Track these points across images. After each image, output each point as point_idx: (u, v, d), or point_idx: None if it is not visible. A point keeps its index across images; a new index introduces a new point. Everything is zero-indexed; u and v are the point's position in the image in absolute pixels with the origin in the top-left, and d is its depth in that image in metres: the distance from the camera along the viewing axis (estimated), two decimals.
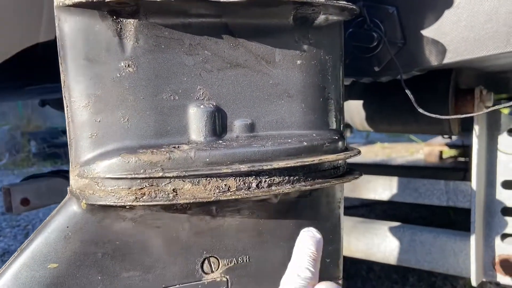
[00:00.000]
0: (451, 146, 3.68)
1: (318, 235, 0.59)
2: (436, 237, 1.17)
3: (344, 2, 0.67)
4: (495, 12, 0.79)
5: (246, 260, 0.70)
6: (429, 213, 3.09)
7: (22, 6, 1.22)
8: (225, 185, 0.62)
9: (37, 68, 1.37)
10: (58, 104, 2.08)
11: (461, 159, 3.81)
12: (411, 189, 1.30)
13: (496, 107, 0.93)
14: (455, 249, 1.13)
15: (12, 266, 0.60)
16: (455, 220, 3.01)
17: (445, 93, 1.05)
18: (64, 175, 1.79)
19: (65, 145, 5.22)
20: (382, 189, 1.38)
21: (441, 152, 3.97)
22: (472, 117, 1.06)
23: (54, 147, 6.67)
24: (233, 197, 0.61)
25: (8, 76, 1.31)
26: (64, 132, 7.54)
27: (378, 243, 1.25)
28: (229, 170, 0.61)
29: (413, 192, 1.30)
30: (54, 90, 1.62)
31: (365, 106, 1.21)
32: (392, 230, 1.24)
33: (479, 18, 0.80)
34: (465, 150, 3.17)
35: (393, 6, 0.86)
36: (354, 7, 0.69)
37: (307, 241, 0.58)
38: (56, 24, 0.60)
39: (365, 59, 0.90)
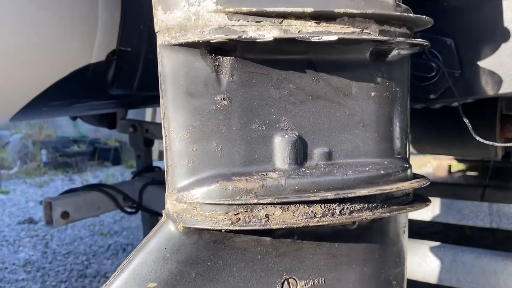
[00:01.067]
0: (463, 161, 3.71)
1: None
2: (478, 257, 1.20)
3: (419, 40, 0.72)
4: None
5: (321, 282, 0.73)
6: (443, 228, 3.12)
7: (77, 30, 1.27)
8: (312, 211, 0.66)
9: (86, 87, 1.43)
10: (91, 119, 2.14)
11: (472, 173, 3.84)
12: (454, 210, 1.34)
13: None
14: (496, 269, 1.16)
15: (114, 285, 0.63)
16: (470, 236, 3.04)
17: (492, 119, 1.09)
18: (100, 188, 1.83)
19: (76, 154, 5.27)
20: (425, 209, 1.41)
21: (449, 166, 4.00)
22: None
23: (65, 156, 6.73)
24: (319, 223, 0.65)
25: (61, 94, 1.36)
26: (75, 141, 7.61)
27: (418, 262, 1.28)
28: (317, 198, 0.65)
29: (456, 214, 1.34)
30: (97, 107, 1.67)
31: (411, 129, 1.24)
32: (433, 249, 1.27)
33: None
34: (482, 164, 3.20)
35: (451, 38, 0.91)
36: (426, 42, 0.73)
37: None
38: (159, 61, 0.65)
39: (421, 86, 0.94)
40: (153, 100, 1.77)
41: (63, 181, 5.96)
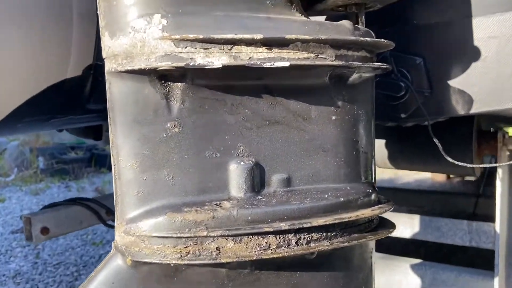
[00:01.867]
0: None
1: None
2: (458, 276, 1.17)
3: (378, 64, 0.70)
4: None
5: None
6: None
7: (52, 45, 1.26)
8: (266, 242, 0.63)
9: (62, 102, 1.41)
10: (76, 131, 2.12)
11: (470, 178, 3.80)
12: (433, 228, 1.31)
13: None
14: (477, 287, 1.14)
15: None
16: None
17: (468, 137, 1.07)
18: (81, 202, 1.81)
19: (73, 161, 5.24)
20: (403, 227, 1.39)
21: None
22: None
23: (62, 163, 6.72)
24: (273, 255, 0.63)
25: (35, 109, 1.34)
26: (72, 148, 7.61)
27: (399, 280, 1.25)
28: (270, 229, 0.62)
29: (435, 231, 1.31)
30: (76, 121, 1.65)
31: (387, 146, 1.23)
32: (414, 267, 1.24)
33: (506, 70, 0.82)
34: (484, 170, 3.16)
35: (420, 56, 0.89)
36: (387, 66, 0.71)
37: None
38: (107, 87, 0.63)
39: (391, 105, 0.92)
40: None
41: (60, 188, 5.95)
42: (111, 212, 1.86)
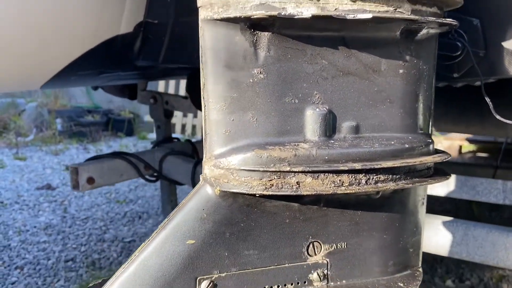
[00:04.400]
0: (474, 141, 3.71)
1: None
2: (489, 232, 1.25)
3: (449, 20, 0.74)
4: None
5: (344, 246, 0.79)
6: (453, 207, 3.16)
7: (107, 2, 1.30)
8: (340, 180, 0.70)
9: (113, 57, 1.47)
10: (112, 89, 2.19)
11: (482, 154, 3.84)
12: (469, 187, 1.38)
13: None
14: (506, 244, 1.21)
15: (156, 240, 0.70)
16: (479, 215, 3.08)
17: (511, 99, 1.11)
18: (123, 156, 1.90)
19: (90, 124, 5.38)
20: (440, 185, 1.46)
21: (460, 147, 4.01)
22: None
23: (80, 126, 6.84)
24: (346, 191, 0.70)
25: (89, 64, 1.40)
26: (89, 111, 7.71)
27: (430, 236, 1.33)
28: (345, 168, 0.69)
29: (470, 190, 1.38)
30: (122, 78, 1.72)
31: None
32: (445, 224, 1.32)
33: None
34: (494, 146, 3.20)
35: (477, 18, 0.93)
36: (455, 22, 0.76)
37: None
38: (200, 35, 0.69)
39: (445, 65, 0.97)
40: (176, 72, 1.81)
41: (78, 150, 6.09)
42: (149, 167, 1.95)
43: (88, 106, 7.90)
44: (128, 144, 6.54)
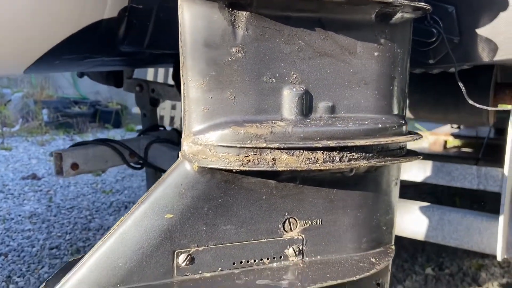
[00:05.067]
0: (459, 136, 3.79)
1: None
2: (463, 216, 1.29)
3: (421, 3, 0.77)
4: None
5: (319, 223, 0.81)
6: (434, 200, 3.23)
7: None
8: (314, 157, 0.73)
9: (98, 42, 1.47)
10: (97, 76, 2.18)
11: (466, 149, 3.93)
12: (444, 173, 1.42)
13: None
14: (480, 228, 1.26)
15: (135, 214, 0.71)
16: (461, 207, 3.16)
17: (486, 87, 1.15)
18: (108, 143, 1.90)
19: (77, 115, 5.32)
20: (417, 171, 1.50)
21: (445, 142, 4.10)
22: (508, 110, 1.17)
23: (67, 116, 6.78)
24: (321, 168, 0.72)
25: (73, 48, 1.40)
26: (75, 102, 7.63)
27: (407, 221, 1.37)
28: (319, 145, 0.72)
29: (446, 176, 1.42)
30: (107, 63, 1.71)
31: (409, 95, 1.31)
32: (422, 209, 1.36)
33: None
34: (477, 141, 3.28)
35: (452, 5, 0.96)
36: (428, 6, 0.78)
37: None
38: (180, 13, 0.70)
39: (421, 52, 1.00)
40: (161, 59, 1.81)
41: (65, 141, 6.04)
42: (134, 154, 1.95)
43: (75, 97, 7.83)
44: (116, 136, 6.49)
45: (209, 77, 0.71)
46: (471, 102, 0.95)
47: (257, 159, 0.71)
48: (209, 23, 0.70)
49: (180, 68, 0.72)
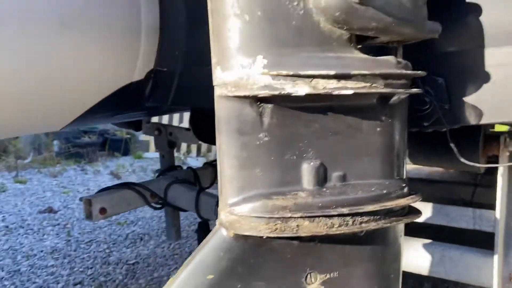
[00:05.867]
0: None
1: None
2: (463, 253, 1.41)
3: (414, 90, 0.92)
4: None
5: (336, 275, 0.95)
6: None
7: (123, 53, 1.48)
8: (331, 223, 0.87)
9: (127, 101, 1.64)
10: (120, 123, 2.34)
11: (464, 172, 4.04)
12: (443, 214, 1.55)
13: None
14: (478, 264, 1.38)
15: (181, 276, 0.85)
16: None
17: (476, 139, 1.29)
18: (131, 186, 2.05)
19: (87, 145, 5.50)
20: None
21: None
22: (497, 157, 1.31)
23: (77, 147, 6.97)
24: (337, 232, 0.86)
25: (105, 108, 1.56)
26: (85, 132, 7.83)
27: (412, 257, 1.49)
28: (335, 213, 0.86)
29: (445, 217, 1.55)
30: (133, 116, 1.88)
31: (409, 146, 1.46)
32: (425, 246, 1.48)
33: (510, 92, 1.05)
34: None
35: (442, 77, 1.11)
36: (419, 91, 0.94)
37: None
38: (216, 107, 0.86)
39: (417, 116, 1.15)
40: (180, 108, 1.98)
41: (76, 171, 6.20)
42: (155, 195, 2.10)
43: (84, 127, 8.02)
44: (125, 164, 6.66)
45: (241, 158, 0.85)
46: (462, 160, 1.09)
47: (283, 226, 0.85)
48: (241, 115, 0.85)
49: (217, 153, 0.87)
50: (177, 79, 1.60)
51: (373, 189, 0.92)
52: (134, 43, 1.49)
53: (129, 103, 1.65)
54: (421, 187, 2.70)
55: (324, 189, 0.89)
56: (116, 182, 5.73)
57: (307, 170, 0.88)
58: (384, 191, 0.92)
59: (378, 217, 0.90)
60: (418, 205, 1.75)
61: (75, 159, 6.77)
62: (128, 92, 1.57)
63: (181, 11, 1.51)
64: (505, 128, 1.46)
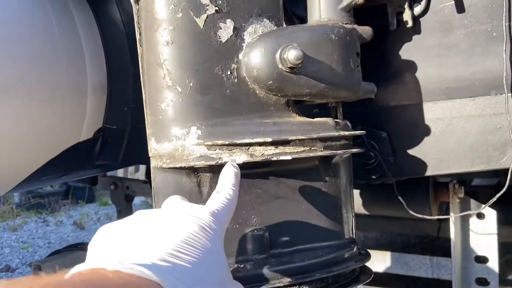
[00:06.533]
0: None
1: (237, 168, 0.75)
2: None
3: (355, 149, 0.92)
4: (462, 141, 1.06)
5: None
6: None
7: (69, 114, 1.43)
8: None
9: (75, 161, 1.57)
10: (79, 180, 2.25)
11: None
12: (402, 263, 1.54)
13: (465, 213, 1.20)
14: None
15: None
16: None
17: (426, 187, 1.31)
18: (83, 247, 1.94)
19: (49, 194, 5.24)
20: (377, 262, 1.61)
21: None
22: (448, 205, 1.33)
23: (38, 197, 6.65)
24: None
25: (52, 169, 1.50)
26: None
27: None
28: (281, 284, 0.82)
29: (403, 265, 1.54)
30: (83, 175, 1.81)
31: (361, 195, 1.47)
32: None
33: (450, 144, 1.07)
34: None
35: (384, 131, 1.13)
36: (361, 150, 0.94)
37: (229, 171, 0.74)
38: (152, 178, 0.83)
39: (364, 169, 1.16)
40: (133, 162, 1.92)
41: (37, 223, 5.88)
42: None
43: None
44: (89, 212, 6.40)
45: None
46: (412, 213, 1.09)
47: None
48: (178, 185, 0.82)
49: None
50: (127, 136, 1.56)
51: (320, 253, 0.89)
52: (80, 103, 1.46)
53: (78, 162, 1.59)
54: (387, 224, 2.72)
55: (269, 258, 0.86)
56: (80, 233, 5.47)
57: (251, 239, 0.85)
58: (332, 255, 0.90)
59: (327, 282, 0.87)
60: (377, 254, 1.74)
61: (36, 210, 6.44)
62: (76, 151, 1.52)
63: (129, 68, 1.49)
64: None
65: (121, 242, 0.53)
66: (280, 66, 0.79)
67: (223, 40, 0.81)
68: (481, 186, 2.90)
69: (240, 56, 0.82)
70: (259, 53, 0.79)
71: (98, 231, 0.59)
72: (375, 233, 3.46)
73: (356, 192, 1.49)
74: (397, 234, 3.39)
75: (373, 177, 1.15)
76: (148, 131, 0.83)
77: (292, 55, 0.76)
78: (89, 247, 0.56)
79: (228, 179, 0.73)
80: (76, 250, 1.90)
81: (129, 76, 1.51)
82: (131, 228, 0.56)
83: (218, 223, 0.60)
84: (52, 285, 0.37)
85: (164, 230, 0.53)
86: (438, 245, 2.62)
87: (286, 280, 0.83)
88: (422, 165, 1.10)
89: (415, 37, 1.08)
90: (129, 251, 0.50)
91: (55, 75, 1.39)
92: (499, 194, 1.01)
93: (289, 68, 0.79)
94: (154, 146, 0.82)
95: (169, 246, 0.50)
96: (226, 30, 0.81)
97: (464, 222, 1.35)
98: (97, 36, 1.54)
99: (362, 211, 1.50)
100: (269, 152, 0.83)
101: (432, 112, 1.08)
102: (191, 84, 0.79)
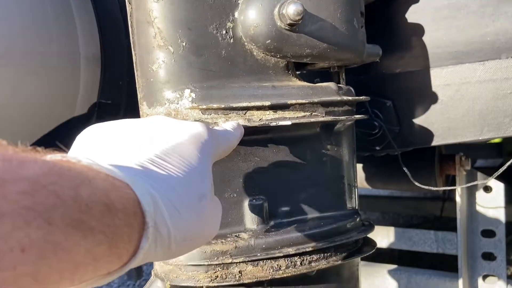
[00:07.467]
0: None
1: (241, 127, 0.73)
2: (429, 278, 1.37)
3: (358, 116, 0.88)
4: (471, 108, 1.01)
5: None
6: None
7: (63, 87, 1.38)
8: (277, 265, 0.79)
9: (70, 137, 1.53)
10: None
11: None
12: (406, 238, 1.51)
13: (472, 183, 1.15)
14: (444, 287, 1.34)
15: None
16: None
17: (431, 160, 1.27)
18: None
19: None
20: (381, 238, 1.58)
21: None
22: (454, 177, 1.29)
23: None
24: (284, 275, 0.79)
25: (47, 144, 1.45)
26: None
27: (378, 285, 1.43)
28: (281, 254, 0.79)
29: (407, 241, 1.51)
30: None
31: (365, 169, 1.42)
32: (391, 272, 1.43)
33: (458, 112, 1.02)
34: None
35: (390, 99, 1.08)
36: (365, 117, 0.89)
37: (233, 123, 0.73)
38: None
39: (368, 140, 1.11)
40: None
41: None
42: None
43: None
44: None
45: None
46: (417, 184, 1.05)
47: (225, 273, 0.77)
48: None
49: None
50: (123, 111, 1.51)
51: (322, 223, 0.85)
52: (73, 76, 1.41)
53: (71, 140, 1.55)
54: (390, 204, 2.68)
55: (269, 228, 0.82)
56: None
57: (249, 208, 0.81)
58: (334, 225, 0.86)
59: (328, 253, 0.84)
60: (381, 230, 1.71)
61: None
62: (70, 127, 1.47)
63: (123, 40, 1.44)
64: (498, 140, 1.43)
65: (104, 143, 0.51)
66: (278, 23, 0.74)
67: None
68: (485, 168, 2.86)
69: (236, 14, 0.77)
70: (256, 9, 0.73)
71: (85, 129, 0.57)
72: (377, 214, 3.43)
73: (359, 166, 1.45)
74: (399, 215, 3.36)
75: (377, 148, 1.11)
76: (139, 95, 0.79)
77: (291, 10, 0.70)
78: (73, 145, 0.54)
79: (230, 124, 0.71)
80: None
81: (123, 48, 1.45)
82: (118, 131, 0.54)
83: (213, 136, 0.58)
84: (19, 159, 0.33)
85: (150, 136, 0.51)
86: (441, 226, 2.59)
87: (286, 250, 0.79)
88: (429, 134, 1.05)
89: None
90: (110, 153, 0.48)
91: (45, 46, 1.33)
92: (508, 163, 0.96)
93: (289, 25, 0.73)
94: (146, 111, 0.77)
95: (151, 152, 0.48)
96: None
97: (471, 196, 1.31)
98: (89, 6, 1.48)
99: (365, 185, 1.46)
100: (268, 117, 0.78)
101: (439, 78, 1.03)
102: (184, 44, 0.74)
